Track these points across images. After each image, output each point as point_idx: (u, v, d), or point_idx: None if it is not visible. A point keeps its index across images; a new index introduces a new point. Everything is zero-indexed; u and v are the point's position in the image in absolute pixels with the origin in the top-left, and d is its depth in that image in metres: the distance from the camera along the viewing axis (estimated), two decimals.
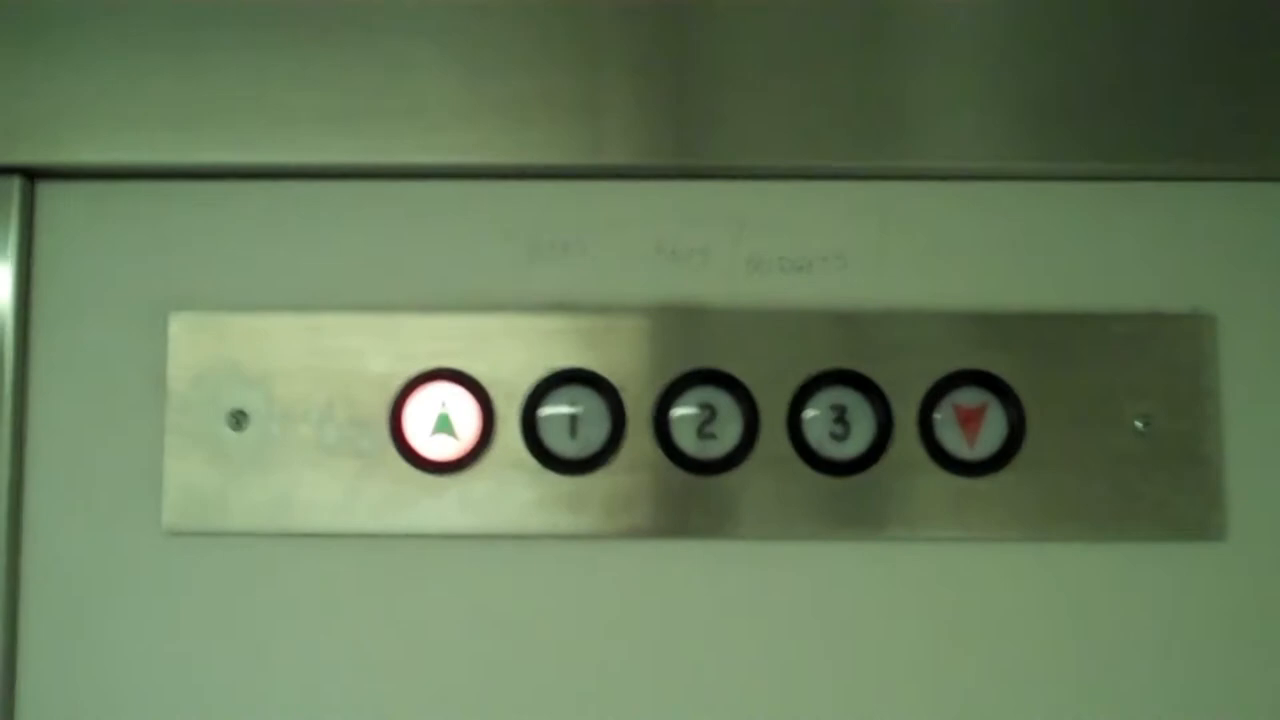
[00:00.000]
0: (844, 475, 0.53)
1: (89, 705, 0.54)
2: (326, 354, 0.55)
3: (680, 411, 0.54)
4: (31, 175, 0.56)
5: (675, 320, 0.55)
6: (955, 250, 0.55)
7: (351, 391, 0.54)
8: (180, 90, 0.55)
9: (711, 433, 0.54)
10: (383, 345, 0.55)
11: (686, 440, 0.54)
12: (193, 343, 0.55)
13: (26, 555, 0.55)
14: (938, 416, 0.54)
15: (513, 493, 0.54)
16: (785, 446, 0.53)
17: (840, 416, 0.54)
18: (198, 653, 0.54)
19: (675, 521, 0.54)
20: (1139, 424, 0.53)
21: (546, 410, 0.54)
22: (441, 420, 0.54)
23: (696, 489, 0.54)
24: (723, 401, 0.54)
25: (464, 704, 0.54)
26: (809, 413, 0.54)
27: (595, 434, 0.54)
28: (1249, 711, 0.53)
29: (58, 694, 0.54)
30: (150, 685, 0.54)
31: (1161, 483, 0.53)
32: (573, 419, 0.54)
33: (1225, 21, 0.55)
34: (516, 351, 0.54)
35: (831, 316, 0.54)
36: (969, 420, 0.53)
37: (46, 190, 0.56)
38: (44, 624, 0.55)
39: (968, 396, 0.54)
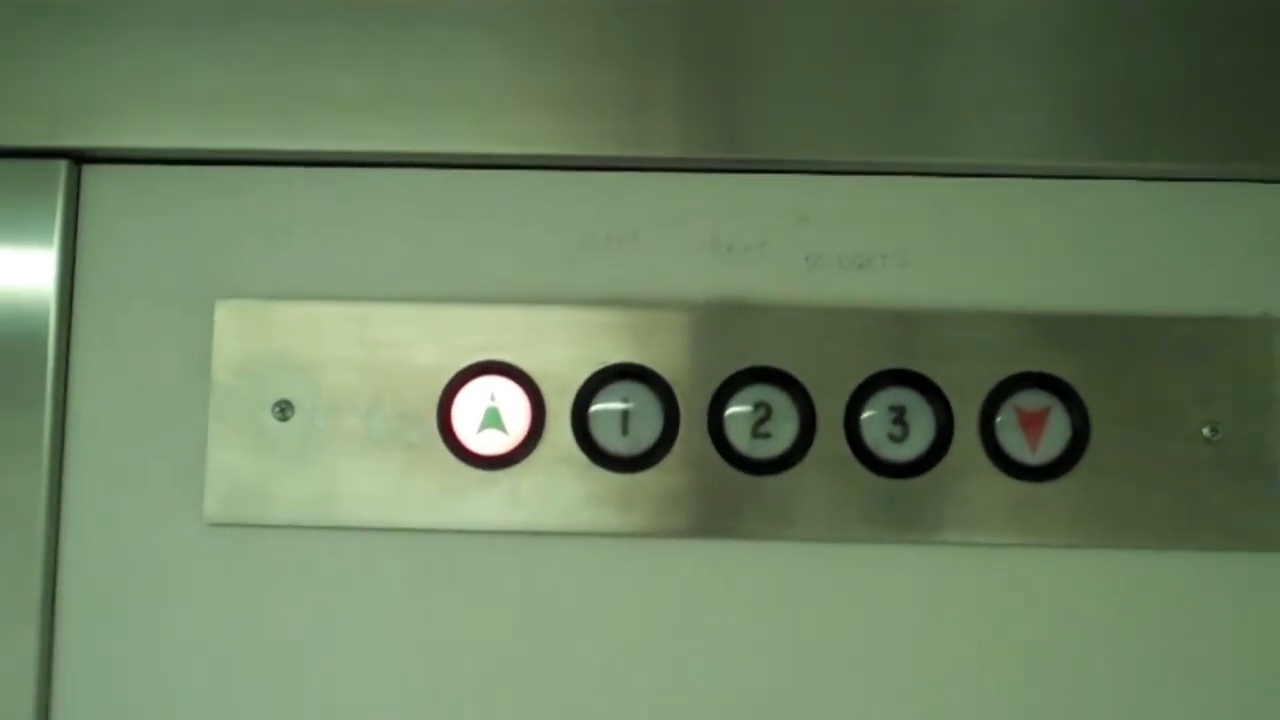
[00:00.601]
0: (902, 477, 0.53)
1: (127, 698, 0.54)
2: (374, 345, 0.54)
3: (735, 409, 0.53)
4: (78, 159, 0.56)
5: (730, 316, 0.54)
6: (1018, 249, 0.54)
7: (399, 384, 0.54)
8: (228, 74, 0.55)
9: (766, 432, 0.53)
10: (431, 337, 0.54)
11: (740, 439, 0.53)
12: (238, 331, 0.54)
13: (65, 545, 0.54)
14: (999, 419, 0.53)
15: (562, 489, 0.53)
16: (842, 447, 0.53)
17: (899, 417, 0.53)
18: (238, 646, 0.54)
19: (727, 522, 0.53)
20: (1206, 431, 0.52)
21: (598, 406, 0.54)
22: (490, 414, 0.53)
23: (750, 489, 0.53)
24: (778, 400, 0.53)
25: (509, 702, 0.53)
26: (867, 413, 0.53)
27: (647, 431, 0.53)
28: None
29: (96, 686, 0.54)
30: (190, 679, 0.54)
31: (1229, 492, 0.52)
32: (624, 415, 0.53)
33: None
34: (568, 345, 0.54)
35: (891, 315, 0.54)
36: (1031, 424, 0.52)
37: (93, 174, 0.56)
38: (82, 615, 0.54)
39: (1030, 399, 0.53)
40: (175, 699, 0.54)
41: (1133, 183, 0.54)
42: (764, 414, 0.53)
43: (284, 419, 0.54)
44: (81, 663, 0.54)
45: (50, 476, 0.54)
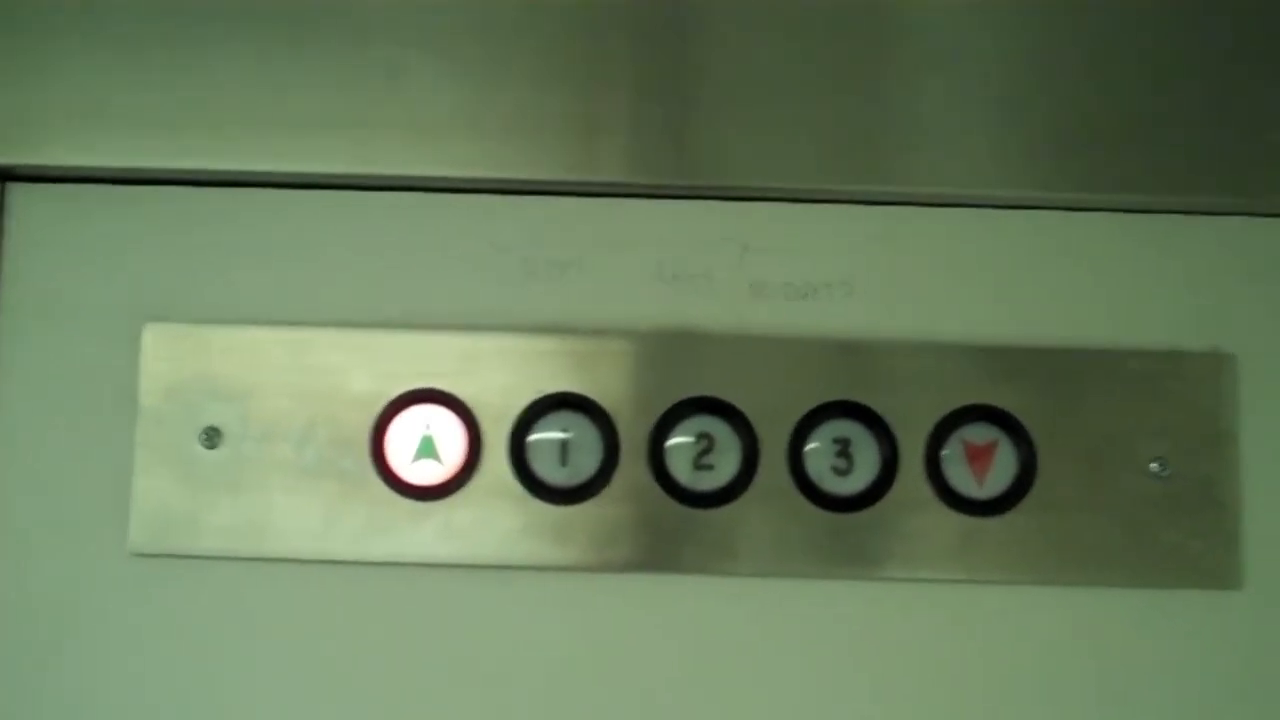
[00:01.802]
0: (846, 511, 0.53)
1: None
2: (307, 371, 0.54)
3: (676, 440, 0.53)
4: (4, 176, 0.55)
5: (673, 345, 0.54)
6: (966, 280, 0.54)
7: (332, 411, 0.53)
8: (161, 93, 0.55)
9: (708, 463, 0.53)
10: (366, 363, 0.54)
11: (682, 471, 0.53)
12: (167, 355, 0.54)
13: None
14: (945, 452, 0.53)
15: (498, 521, 0.53)
16: (785, 479, 0.52)
17: (843, 450, 0.53)
18: (164, 681, 0.53)
19: (668, 555, 0.53)
20: (1154, 466, 0.52)
21: (536, 436, 0.53)
22: (425, 443, 0.53)
23: (691, 522, 0.53)
24: (721, 431, 0.53)
25: None
26: (811, 445, 0.53)
27: (586, 462, 0.53)
28: None
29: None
30: (113, 714, 0.53)
31: (1177, 527, 0.52)
32: (563, 445, 0.53)
33: (1248, 54, 0.55)
34: (506, 373, 0.53)
35: (836, 345, 0.53)
36: (978, 457, 0.52)
37: (18, 192, 0.56)
38: (3, 647, 0.53)
39: (977, 433, 0.53)
40: None
41: (1082, 214, 0.55)
42: (706, 445, 0.53)
43: (212, 446, 0.53)
44: (3, 698, 0.53)
45: None
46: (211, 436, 0.53)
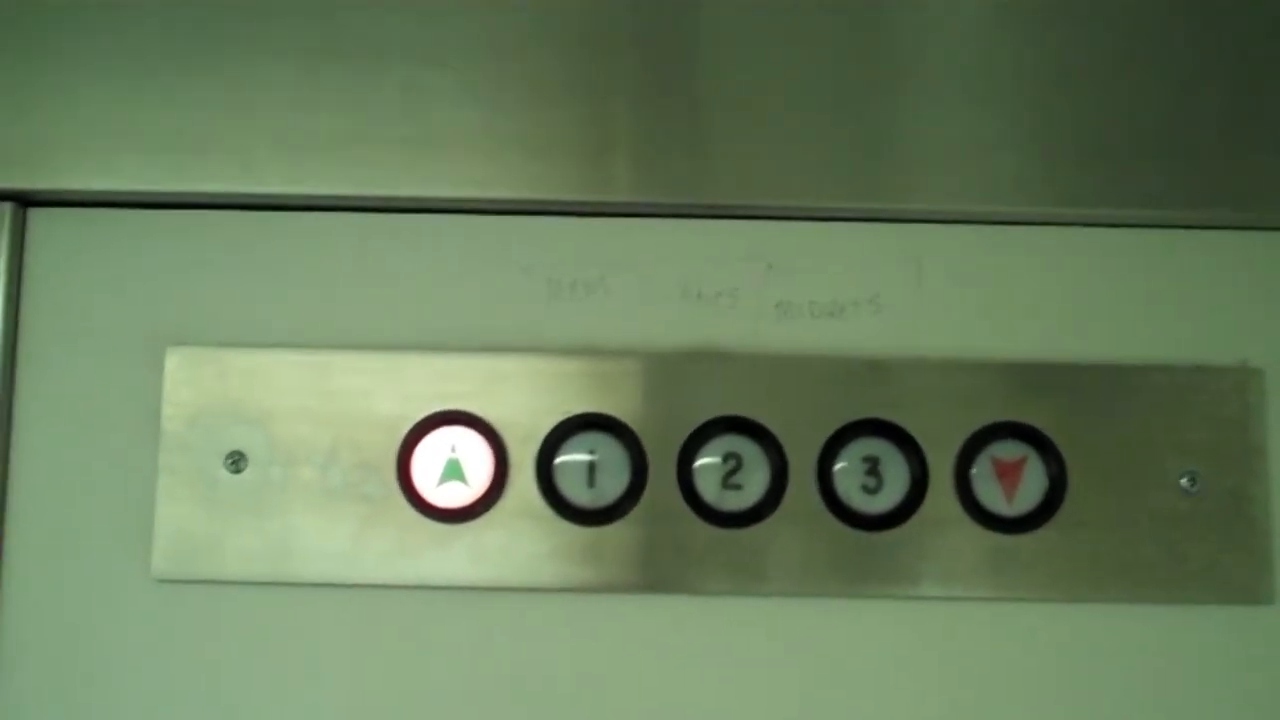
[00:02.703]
0: (876, 530, 0.53)
1: None
2: (331, 394, 0.54)
3: (704, 460, 0.54)
4: (24, 201, 0.56)
5: (700, 365, 0.54)
6: (993, 297, 0.55)
7: (357, 434, 0.54)
8: (181, 116, 0.55)
9: (737, 483, 0.53)
10: (391, 386, 0.54)
11: (710, 491, 0.53)
12: (190, 379, 0.54)
13: (7, 599, 0.54)
14: (974, 470, 0.53)
15: (526, 543, 0.53)
16: (814, 499, 0.53)
17: (872, 468, 0.53)
18: (188, 707, 0.53)
19: (697, 576, 0.53)
20: (1184, 481, 0.53)
21: (563, 457, 0.54)
22: (451, 466, 0.53)
23: (720, 542, 0.53)
24: (749, 451, 0.53)
25: None
26: (840, 464, 0.53)
27: (614, 483, 0.53)
28: None
29: None
30: None
31: (1208, 543, 0.53)
32: (590, 466, 0.53)
33: (1267, 67, 0.55)
34: (532, 395, 0.54)
35: (864, 364, 0.54)
36: (1007, 474, 0.53)
37: (39, 217, 0.56)
38: (26, 674, 0.54)
39: (1006, 449, 0.53)
40: None
41: (1108, 229, 0.55)
42: (734, 465, 0.53)
43: (237, 471, 0.54)
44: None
45: None
46: (236, 460, 0.54)
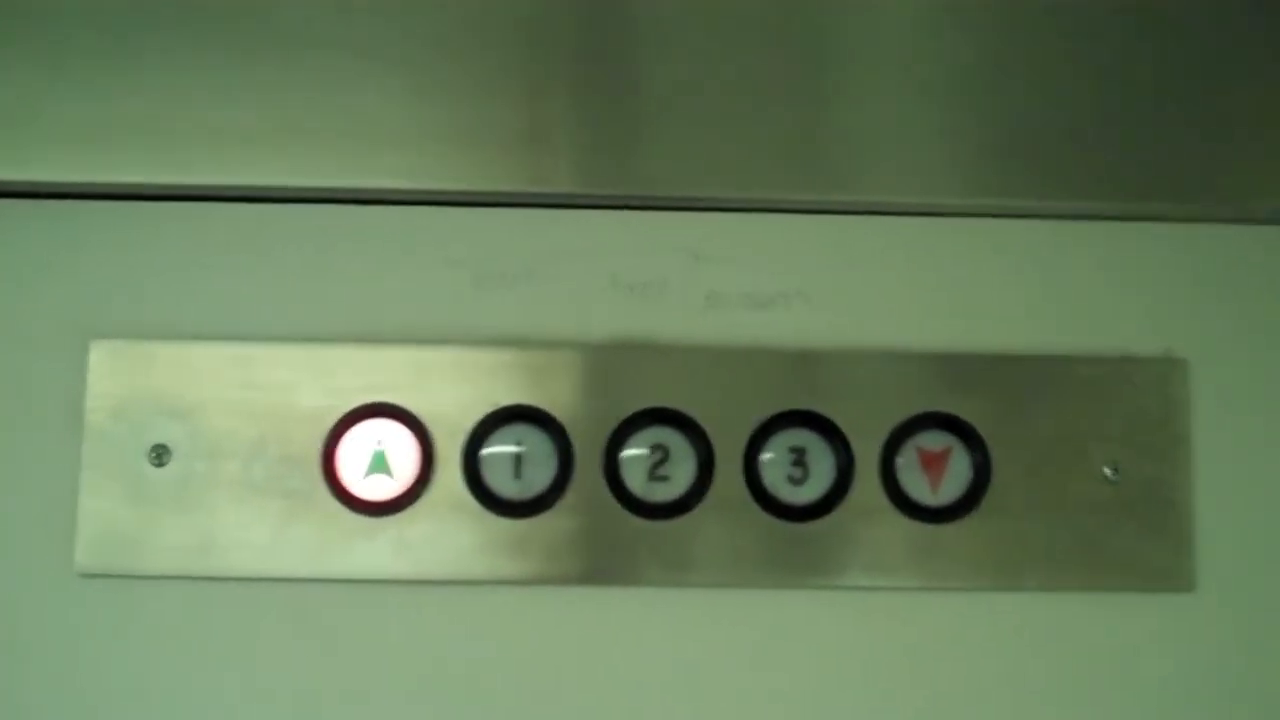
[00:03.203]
0: (802, 520, 0.54)
1: None
2: (256, 387, 0.54)
3: (631, 452, 0.54)
4: None
5: (627, 356, 0.54)
6: (919, 289, 0.56)
7: (282, 427, 0.54)
8: (101, 105, 0.55)
9: (663, 474, 0.54)
10: (316, 379, 0.54)
11: (637, 482, 0.54)
12: (113, 372, 0.54)
13: None
14: (900, 460, 0.54)
15: (452, 536, 0.53)
16: (741, 489, 0.53)
17: (799, 459, 0.54)
18: (112, 702, 0.53)
19: (624, 568, 0.53)
20: (1108, 470, 0.53)
21: (489, 449, 0.54)
22: (377, 459, 0.54)
23: (647, 534, 0.53)
24: (676, 442, 0.54)
25: None
26: (766, 455, 0.54)
27: (541, 475, 0.54)
28: None
29: None
30: None
31: (1130, 532, 0.53)
32: (517, 459, 0.54)
33: (1198, 60, 0.56)
34: (459, 387, 0.54)
35: (791, 355, 0.54)
36: (932, 464, 0.53)
37: None
38: None
39: (931, 440, 0.54)
40: None
41: (1033, 221, 0.56)
42: (661, 456, 0.54)
43: (161, 464, 0.54)
44: None
45: None
46: (160, 454, 0.54)
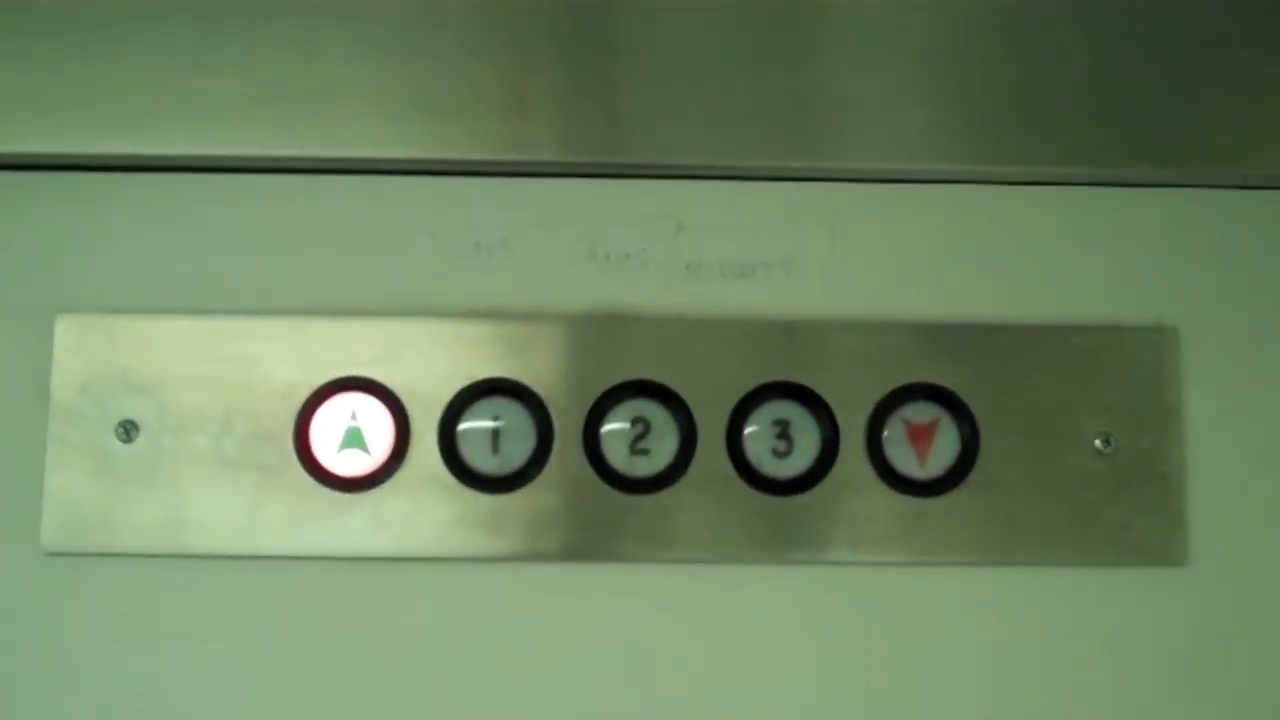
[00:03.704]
0: (786, 494, 0.53)
1: None
2: (226, 361, 0.53)
3: (611, 425, 0.53)
4: None
5: (607, 328, 0.54)
6: (906, 257, 0.55)
7: (253, 402, 0.53)
8: (67, 75, 0.54)
9: (645, 448, 0.53)
10: (288, 352, 0.53)
11: (618, 456, 0.53)
12: (80, 347, 0.53)
13: None
14: (886, 433, 0.53)
15: (429, 512, 0.53)
16: (724, 463, 0.53)
17: (783, 432, 0.53)
18: (80, 682, 0.52)
19: (605, 543, 0.53)
20: (1098, 443, 0.53)
21: (466, 423, 0.53)
22: (351, 433, 0.53)
23: (628, 509, 0.53)
24: (657, 415, 0.53)
25: None
26: (750, 428, 0.53)
27: (519, 449, 0.53)
28: None
29: None
30: (29, 716, 0.52)
31: (1122, 504, 0.53)
32: (495, 433, 0.53)
33: (1188, 25, 0.55)
34: (435, 360, 0.53)
35: (774, 326, 0.54)
36: (919, 437, 0.53)
37: None
38: None
39: (918, 411, 0.53)
40: None
41: (1023, 188, 0.55)
42: (642, 430, 0.53)
43: (128, 440, 0.53)
44: None
45: None
46: (128, 430, 0.53)
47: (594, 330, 0.54)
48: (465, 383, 0.53)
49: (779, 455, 0.53)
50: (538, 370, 0.53)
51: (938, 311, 0.54)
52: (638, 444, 0.53)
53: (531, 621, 0.53)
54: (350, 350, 0.53)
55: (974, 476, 0.53)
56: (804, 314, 0.54)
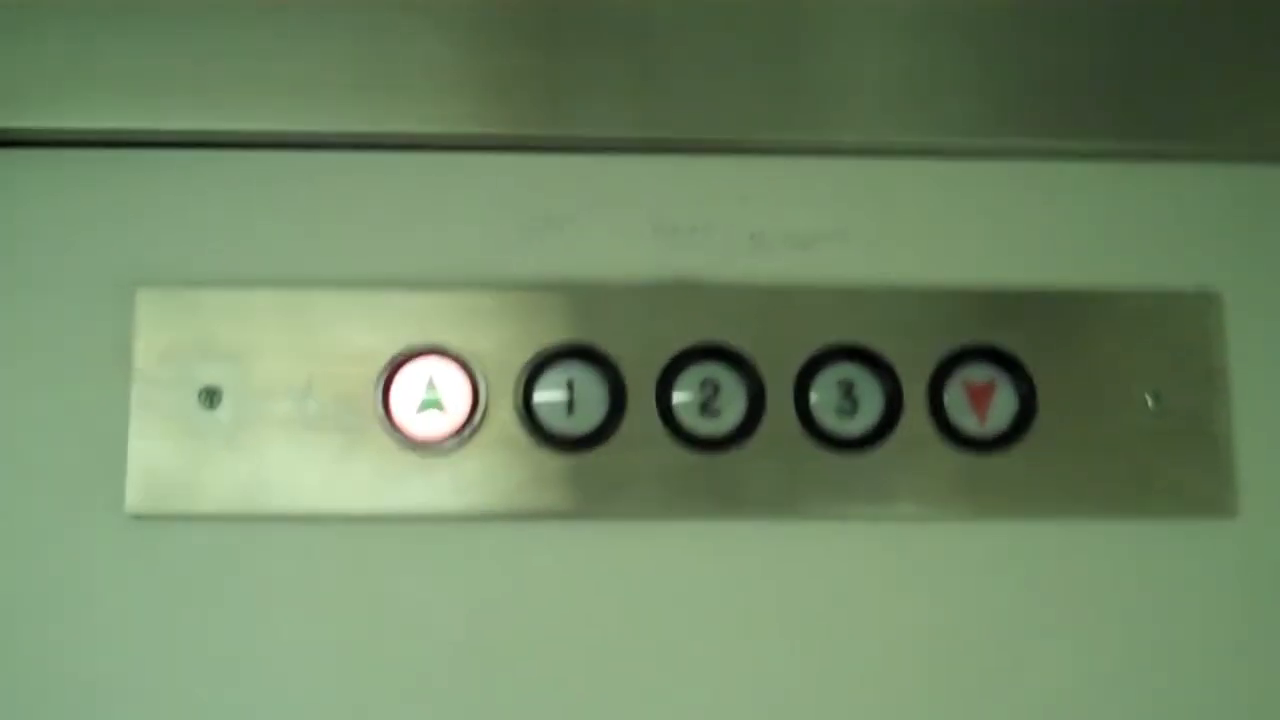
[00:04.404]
0: (851, 452, 0.55)
1: (47, 702, 0.53)
2: (306, 330, 0.55)
3: (682, 387, 0.55)
4: None
5: (676, 295, 0.56)
6: (962, 227, 0.58)
7: (333, 368, 0.55)
8: (148, 55, 0.56)
9: (715, 409, 0.55)
10: (367, 321, 0.56)
11: (689, 417, 0.55)
12: (161, 319, 0.55)
13: None
14: (947, 393, 0.55)
15: (505, 472, 0.54)
16: (791, 423, 0.55)
17: (848, 393, 0.55)
18: (163, 643, 0.54)
19: (677, 502, 0.55)
20: (1149, 401, 0.55)
21: (541, 386, 0.55)
22: (430, 397, 0.55)
23: (699, 467, 0.55)
24: (726, 378, 0.55)
25: (454, 693, 0.54)
26: (816, 389, 0.55)
27: (593, 411, 0.55)
28: (1260, 689, 0.55)
29: (13, 690, 0.53)
30: (114, 680, 0.54)
31: (1173, 460, 0.55)
32: (569, 395, 0.55)
33: (1234, 2, 0.58)
34: (509, 328, 0.55)
35: (837, 292, 0.56)
36: (979, 396, 0.55)
37: (2, 159, 0.56)
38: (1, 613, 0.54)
39: (977, 372, 0.56)
40: (99, 702, 0.54)
41: (1074, 161, 0.58)
42: (711, 391, 0.55)
43: (211, 406, 0.54)
44: None
45: None
46: (211, 396, 0.54)
47: (663, 297, 0.56)
48: (539, 348, 0.55)
49: (844, 414, 0.55)
50: (609, 335, 0.55)
51: (993, 278, 0.57)
52: (708, 405, 0.55)
53: (605, 577, 0.55)
54: (428, 320, 0.55)
55: (1032, 434, 0.55)
56: (864, 282, 0.57)
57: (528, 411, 0.55)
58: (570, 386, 0.55)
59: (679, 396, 0.55)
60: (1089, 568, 0.55)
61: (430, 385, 0.55)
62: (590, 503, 0.54)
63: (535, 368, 0.55)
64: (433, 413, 0.55)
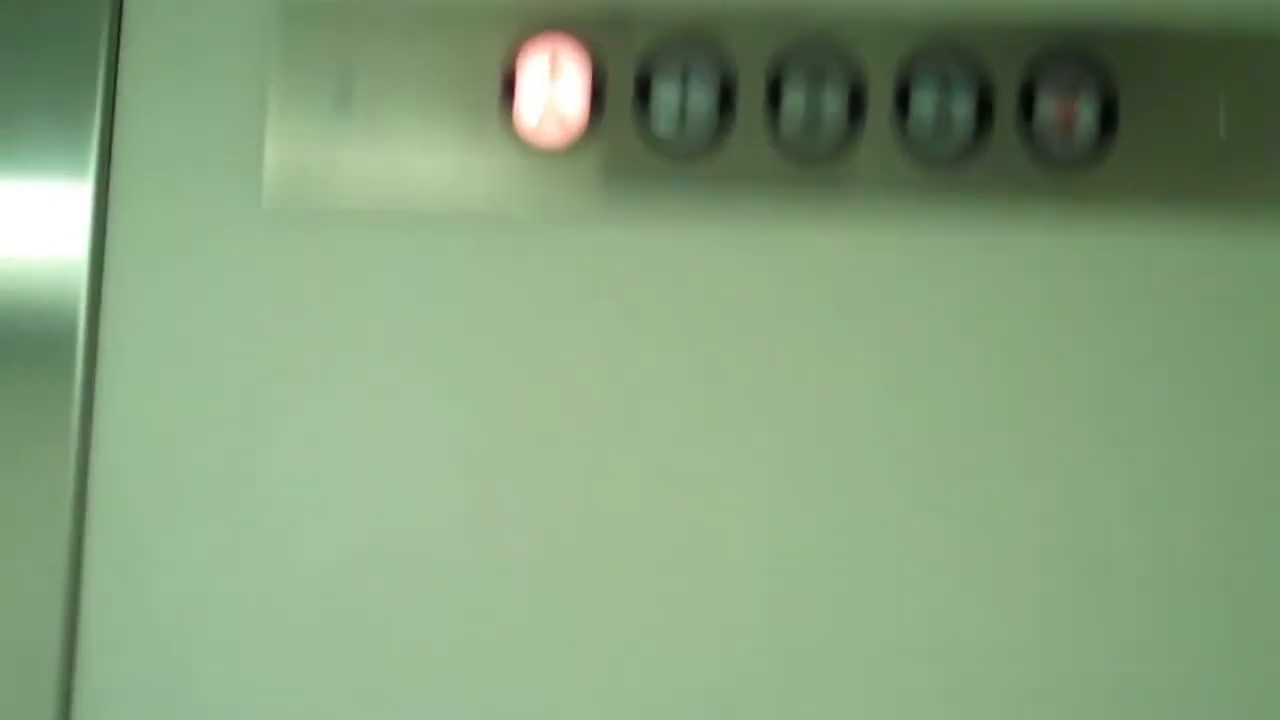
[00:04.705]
0: (947, 169, 0.58)
1: (176, 395, 0.57)
2: (434, 24, 0.57)
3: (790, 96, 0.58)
4: None
5: None
6: None
7: (464, 62, 0.57)
8: None
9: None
10: (494, 20, 0.57)
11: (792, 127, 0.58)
12: (298, 22, 0.58)
13: (113, 221, 0.57)
14: (1037, 103, 0.58)
15: (620, 175, 0.57)
16: (890, 136, 0.58)
17: (943, 101, 0.58)
18: (294, 337, 0.57)
19: (775, 209, 0.58)
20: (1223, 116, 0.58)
21: (660, 88, 0.57)
22: (558, 93, 0.57)
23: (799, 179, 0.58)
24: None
25: (582, 386, 0.57)
26: (914, 98, 0.58)
27: (703, 119, 0.57)
28: None
29: (140, 385, 0.57)
30: (250, 377, 0.57)
31: (1250, 171, 0.58)
32: (683, 101, 0.57)
33: None
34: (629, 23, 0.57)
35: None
36: (1065, 111, 0.58)
37: None
38: (127, 304, 0.57)
39: (1063, 86, 0.58)
40: (234, 399, 0.57)
41: None
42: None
43: (345, 103, 0.57)
44: (125, 362, 0.57)
45: (100, 160, 0.57)
46: (344, 92, 0.57)
47: None
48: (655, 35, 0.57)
49: (940, 128, 0.58)
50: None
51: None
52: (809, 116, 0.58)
53: (732, 274, 0.58)
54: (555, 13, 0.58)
55: (1117, 149, 0.58)
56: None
57: (643, 118, 0.57)
58: (684, 85, 0.57)
59: (787, 103, 0.58)
60: (1176, 275, 0.58)
61: (553, 83, 0.57)
62: (701, 208, 0.57)
63: (651, 61, 0.57)
64: (556, 115, 0.57)
